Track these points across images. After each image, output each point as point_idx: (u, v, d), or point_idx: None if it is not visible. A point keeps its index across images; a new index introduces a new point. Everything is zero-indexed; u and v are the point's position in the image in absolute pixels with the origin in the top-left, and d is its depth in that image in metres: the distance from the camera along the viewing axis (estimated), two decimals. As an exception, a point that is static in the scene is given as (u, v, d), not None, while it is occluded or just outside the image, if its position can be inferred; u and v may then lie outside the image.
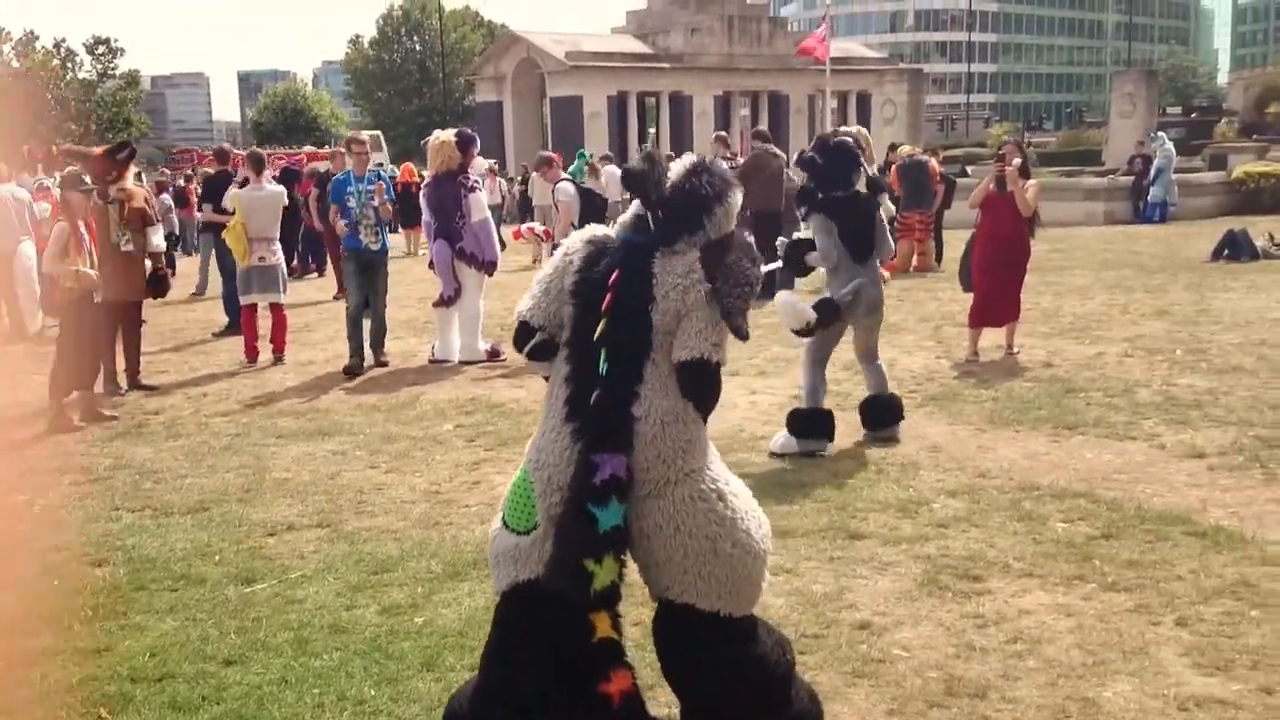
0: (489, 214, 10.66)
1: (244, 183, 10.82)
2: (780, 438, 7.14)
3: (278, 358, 10.78)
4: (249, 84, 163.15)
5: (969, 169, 27.96)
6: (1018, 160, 9.84)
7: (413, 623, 4.60)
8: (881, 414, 7.41)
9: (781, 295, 7.21)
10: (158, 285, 9.61)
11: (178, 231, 20.20)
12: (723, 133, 16.53)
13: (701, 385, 3.39)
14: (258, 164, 10.71)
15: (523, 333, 3.52)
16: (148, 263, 9.51)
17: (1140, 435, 7.07)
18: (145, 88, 79.81)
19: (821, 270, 7.43)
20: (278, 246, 10.71)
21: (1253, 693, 3.80)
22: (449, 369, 10.20)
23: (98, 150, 9.96)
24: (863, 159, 7.46)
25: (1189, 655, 4.09)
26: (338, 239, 11.38)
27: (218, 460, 7.35)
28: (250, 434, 7.99)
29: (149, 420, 8.63)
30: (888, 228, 7.52)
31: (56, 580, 5.23)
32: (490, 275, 10.56)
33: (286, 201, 11.34)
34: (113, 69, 59.03)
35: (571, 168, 22.11)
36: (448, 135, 10.41)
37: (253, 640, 4.47)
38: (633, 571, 3.46)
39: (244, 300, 10.79)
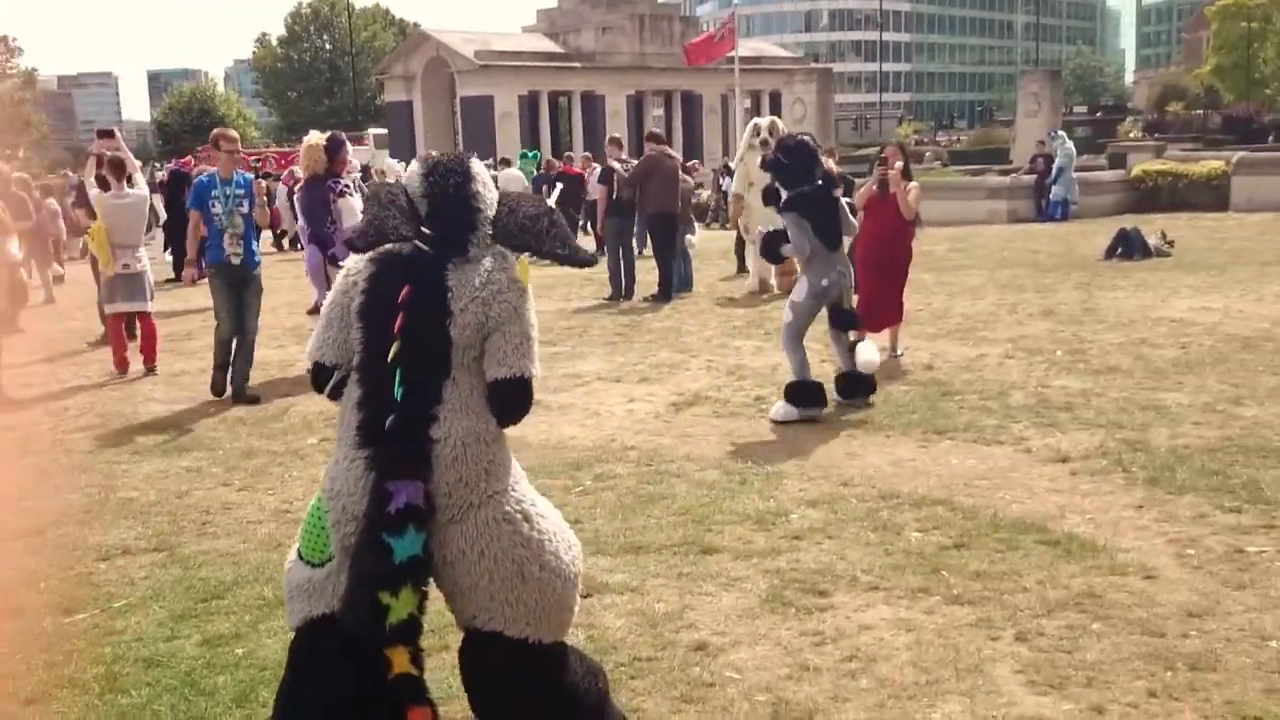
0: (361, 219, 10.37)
1: (105, 186, 10.38)
2: (780, 406, 7.87)
3: (149, 369, 10.42)
4: (159, 83, 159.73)
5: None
6: (900, 163, 9.82)
7: (233, 654, 4.39)
8: (858, 385, 8.15)
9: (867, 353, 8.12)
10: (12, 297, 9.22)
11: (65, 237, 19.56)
12: (616, 135, 16.43)
13: (518, 403, 3.29)
14: (118, 169, 10.31)
15: (319, 374, 3.37)
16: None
17: (1008, 439, 7.06)
18: (51, 88, 77.71)
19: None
20: (143, 253, 10.32)
21: (1083, 712, 3.73)
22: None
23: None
24: (821, 154, 8.32)
25: (1024, 673, 4.02)
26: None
27: (65, 479, 7.04)
28: (104, 450, 7.69)
29: (0, 436, 8.27)
30: (849, 212, 8.42)
31: None
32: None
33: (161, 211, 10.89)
34: (10, 68, 57.28)
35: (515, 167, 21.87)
36: (317, 139, 10.16)
37: (59, 676, 4.23)
38: (438, 600, 3.31)
39: (109, 310, 10.41)
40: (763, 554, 5.24)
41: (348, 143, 10.27)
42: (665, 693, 3.95)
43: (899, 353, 9.81)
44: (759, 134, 13.68)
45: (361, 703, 3.20)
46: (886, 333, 9.81)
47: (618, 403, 8.53)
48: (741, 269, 15.87)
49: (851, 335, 8.27)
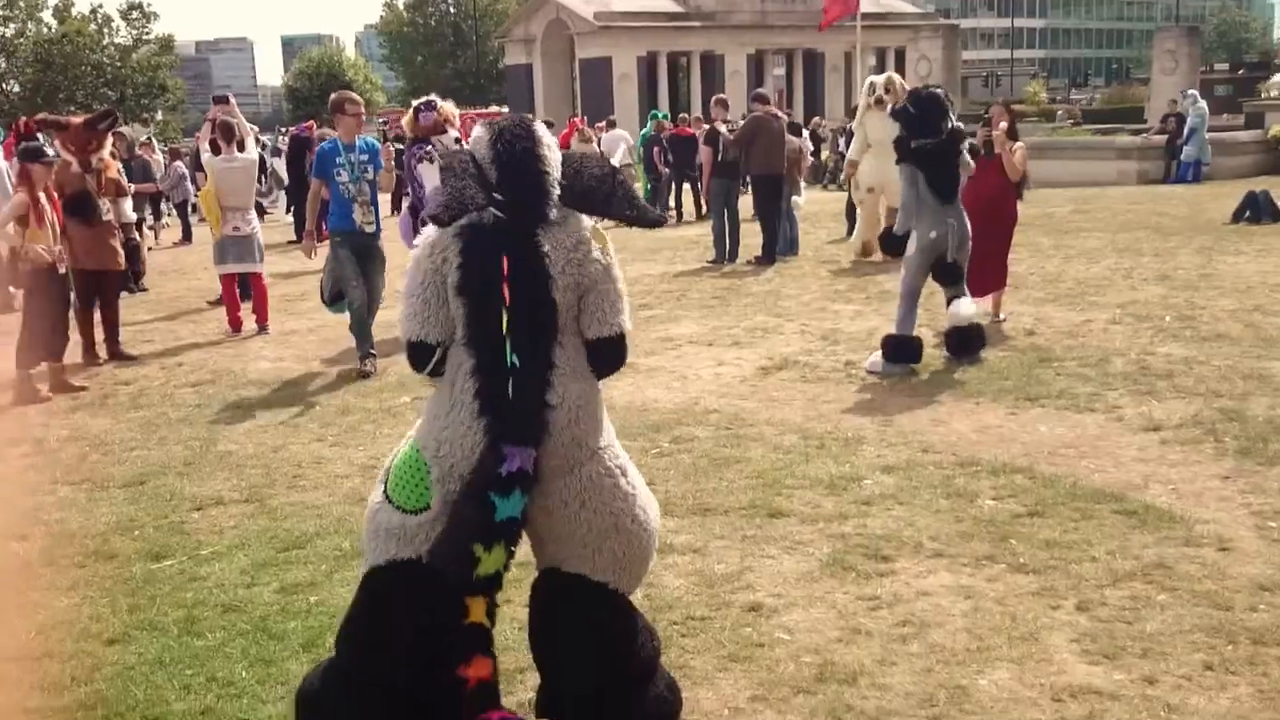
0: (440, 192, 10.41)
1: (217, 151, 10.71)
2: (873, 357, 8.08)
3: (261, 328, 10.78)
4: (292, 48, 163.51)
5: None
6: (1004, 123, 9.60)
7: (307, 601, 4.57)
8: (967, 342, 8.13)
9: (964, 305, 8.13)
10: (130, 256, 9.62)
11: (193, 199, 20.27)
12: (723, 95, 16.32)
13: (616, 359, 3.40)
14: (228, 133, 10.63)
15: (422, 353, 3.33)
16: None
17: (1101, 407, 6.89)
18: (189, 53, 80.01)
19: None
20: (253, 216, 10.66)
21: (1134, 683, 3.67)
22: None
23: (77, 120, 9.98)
24: (950, 109, 8.24)
25: (1079, 642, 3.96)
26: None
27: (170, 432, 7.37)
28: (211, 405, 8.00)
29: (117, 391, 8.67)
30: (968, 174, 8.38)
31: (-30, 556, 5.27)
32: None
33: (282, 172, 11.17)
34: (146, 34, 59.13)
35: (644, 129, 21.89)
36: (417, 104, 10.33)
37: (142, 619, 4.46)
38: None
39: (220, 271, 10.79)
40: (830, 518, 5.24)
41: (432, 111, 10.35)
42: (714, 651, 4.00)
43: (1002, 318, 9.62)
44: (874, 92, 13.44)
45: (428, 643, 3.31)
46: (990, 297, 9.63)
47: (706, 366, 8.55)
48: (851, 233, 15.67)
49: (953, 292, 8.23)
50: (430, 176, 10.13)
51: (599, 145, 22.57)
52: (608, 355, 3.34)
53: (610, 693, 3.38)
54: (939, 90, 8.50)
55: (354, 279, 8.67)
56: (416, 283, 3.32)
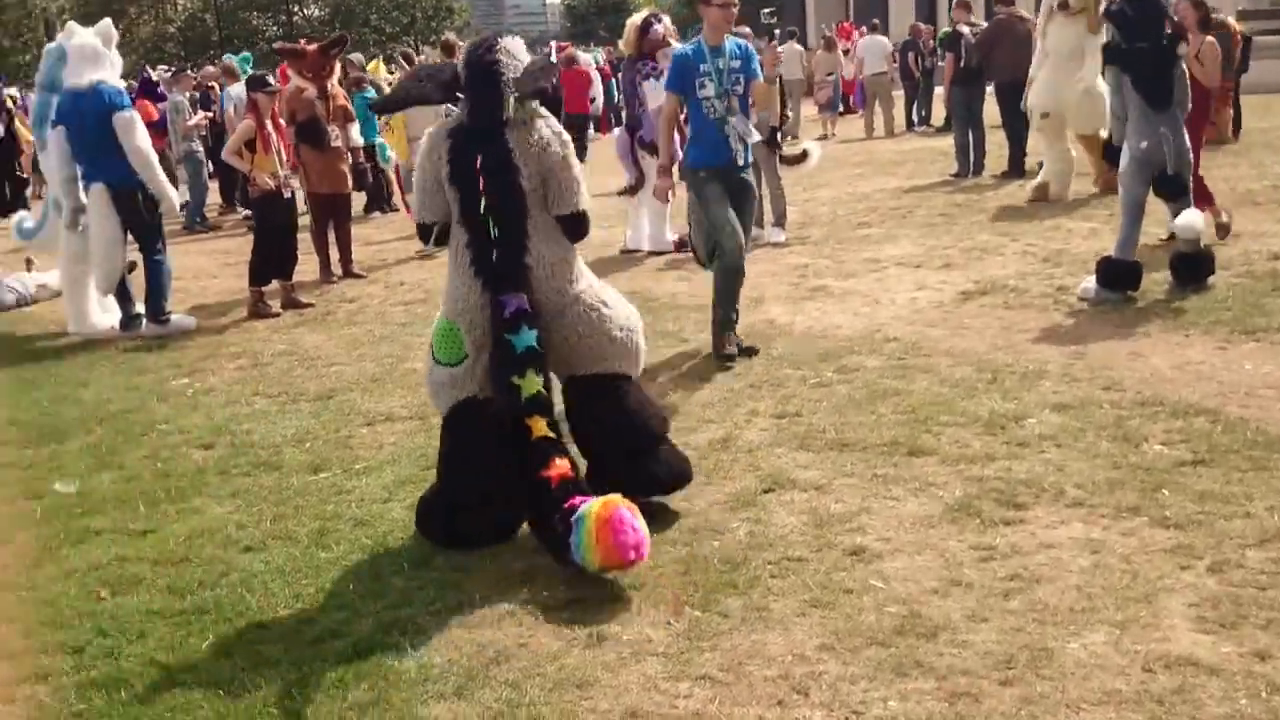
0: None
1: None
2: (1086, 283, 7.57)
3: None
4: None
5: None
6: (1192, 15, 8.83)
7: (431, 521, 4.74)
8: (1195, 268, 7.54)
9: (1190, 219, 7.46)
10: (358, 179, 10.12)
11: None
12: (966, -1, 15.37)
13: (580, 229, 4.47)
14: (410, 63, 10.94)
15: (424, 231, 4.53)
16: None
17: (1328, 344, 6.19)
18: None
19: None
20: None
21: (1242, 657, 3.31)
22: (633, 259, 10.24)
23: (312, 46, 10.53)
24: (1168, 8, 7.72)
25: (1198, 607, 3.61)
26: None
27: (370, 349, 7.77)
28: (415, 324, 8.36)
29: (339, 308, 9.21)
30: (1187, 81, 7.67)
31: (159, 462, 5.74)
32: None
33: None
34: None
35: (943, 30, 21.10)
36: (636, 19, 10.27)
37: (280, 529, 4.76)
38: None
39: (410, 198, 11.17)
40: (973, 459, 4.96)
41: (659, 24, 10.28)
42: (798, 595, 3.89)
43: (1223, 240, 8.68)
44: None
45: (503, 459, 4.25)
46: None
47: (904, 290, 8.21)
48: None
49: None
50: (653, 95, 10.13)
51: (857, 51, 21.89)
52: (572, 227, 4.43)
53: (639, 454, 4.45)
54: None
55: (727, 223, 6.62)
56: (420, 177, 4.45)
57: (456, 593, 4.08)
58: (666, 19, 10.91)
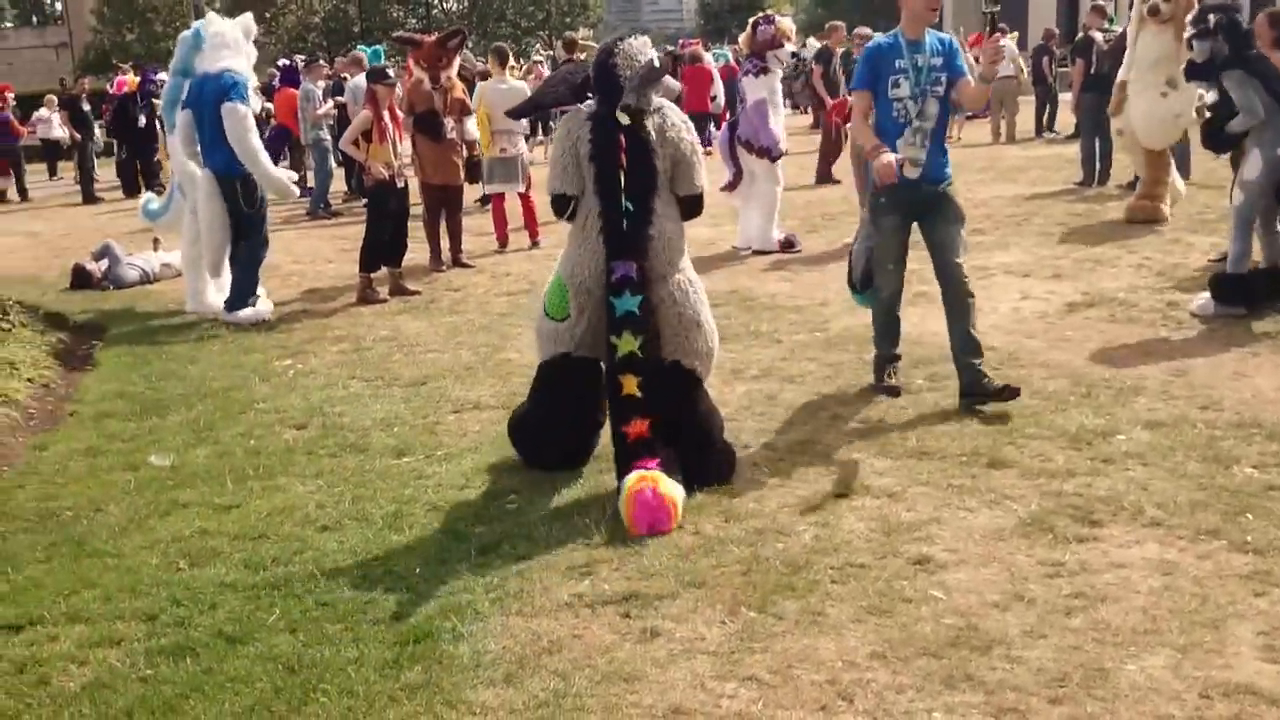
0: (765, 96, 10.22)
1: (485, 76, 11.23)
2: (1200, 298, 7.34)
3: (533, 243, 11.32)
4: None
5: None
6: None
7: (503, 509, 4.82)
8: (1274, 287, 7.27)
9: None
10: (471, 171, 10.31)
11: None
12: (1100, 2, 14.92)
13: (696, 209, 5.14)
14: (502, 58, 11.11)
15: (561, 202, 5.05)
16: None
17: None
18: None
19: None
20: (519, 139, 11.06)
21: (1310, 692, 3.19)
22: (736, 258, 10.22)
23: (430, 38, 10.75)
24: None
25: (1268, 635, 3.48)
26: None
27: (468, 337, 7.91)
28: (514, 315, 8.48)
29: (444, 296, 9.40)
30: None
31: (252, 440, 5.94)
32: (770, 160, 10.25)
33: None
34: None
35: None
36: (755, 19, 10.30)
37: (359, 510, 4.88)
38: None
39: (486, 189, 11.41)
40: (1054, 474, 4.85)
41: (769, 25, 10.24)
42: (856, 601, 3.85)
43: None
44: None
45: (587, 409, 5.13)
46: None
47: (1009, 300, 8.04)
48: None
49: None
50: (753, 91, 10.12)
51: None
52: (690, 206, 5.10)
53: (706, 449, 4.92)
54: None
55: (889, 264, 6.00)
56: (559, 154, 5.02)
57: (519, 580, 4.14)
58: (786, 20, 10.85)
